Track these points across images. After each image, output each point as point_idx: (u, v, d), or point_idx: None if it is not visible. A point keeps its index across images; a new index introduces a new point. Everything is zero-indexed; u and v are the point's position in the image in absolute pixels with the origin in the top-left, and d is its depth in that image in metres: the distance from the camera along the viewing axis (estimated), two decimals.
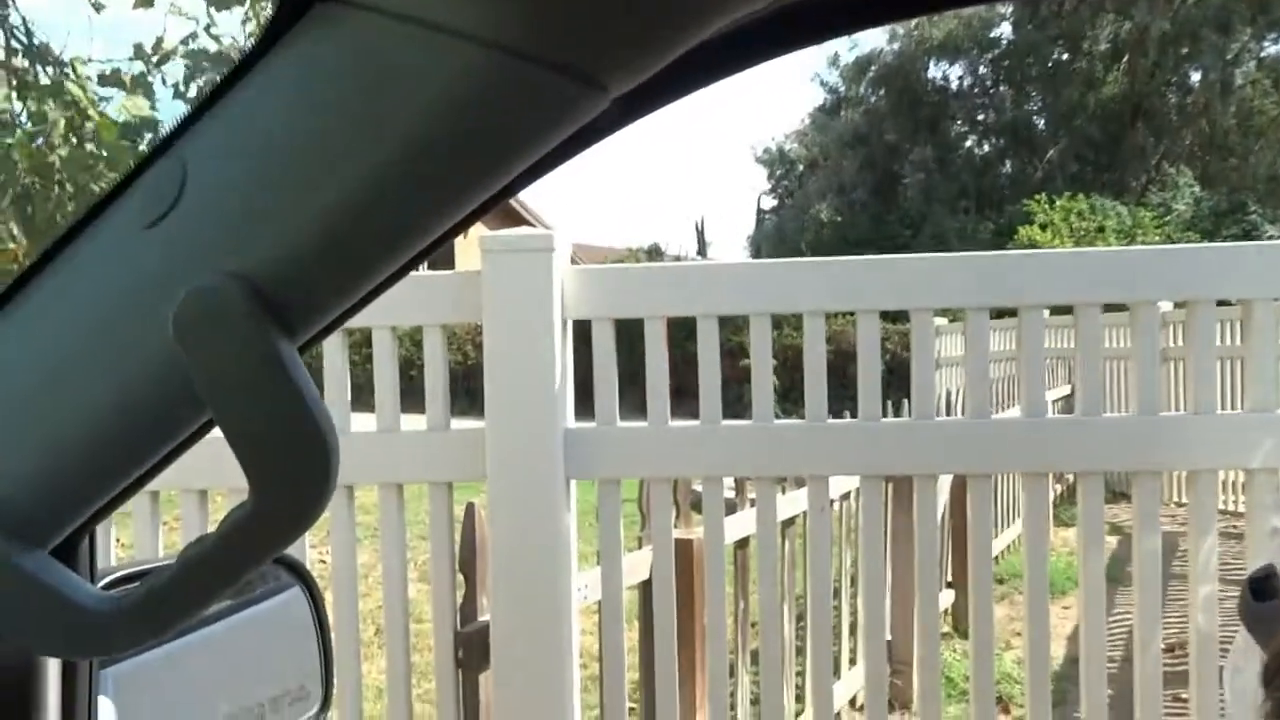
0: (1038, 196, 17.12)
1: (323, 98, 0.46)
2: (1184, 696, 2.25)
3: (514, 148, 0.47)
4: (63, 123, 4.59)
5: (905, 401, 4.89)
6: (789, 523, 3.76)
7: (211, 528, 0.60)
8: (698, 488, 3.78)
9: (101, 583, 0.70)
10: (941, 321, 9.65)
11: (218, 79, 0.49)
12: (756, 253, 27.11)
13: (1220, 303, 2.20)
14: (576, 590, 2.31)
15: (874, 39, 27.10)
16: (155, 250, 0.50)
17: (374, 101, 0.45)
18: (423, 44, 0.43)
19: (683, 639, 2.89)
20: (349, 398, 2.34)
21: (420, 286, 2.31)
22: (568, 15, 0.42)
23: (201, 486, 2.31)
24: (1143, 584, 2.18)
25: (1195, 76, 24.26)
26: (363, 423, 2.38)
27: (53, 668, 0.64)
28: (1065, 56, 25.37)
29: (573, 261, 2.32)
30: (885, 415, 2.32)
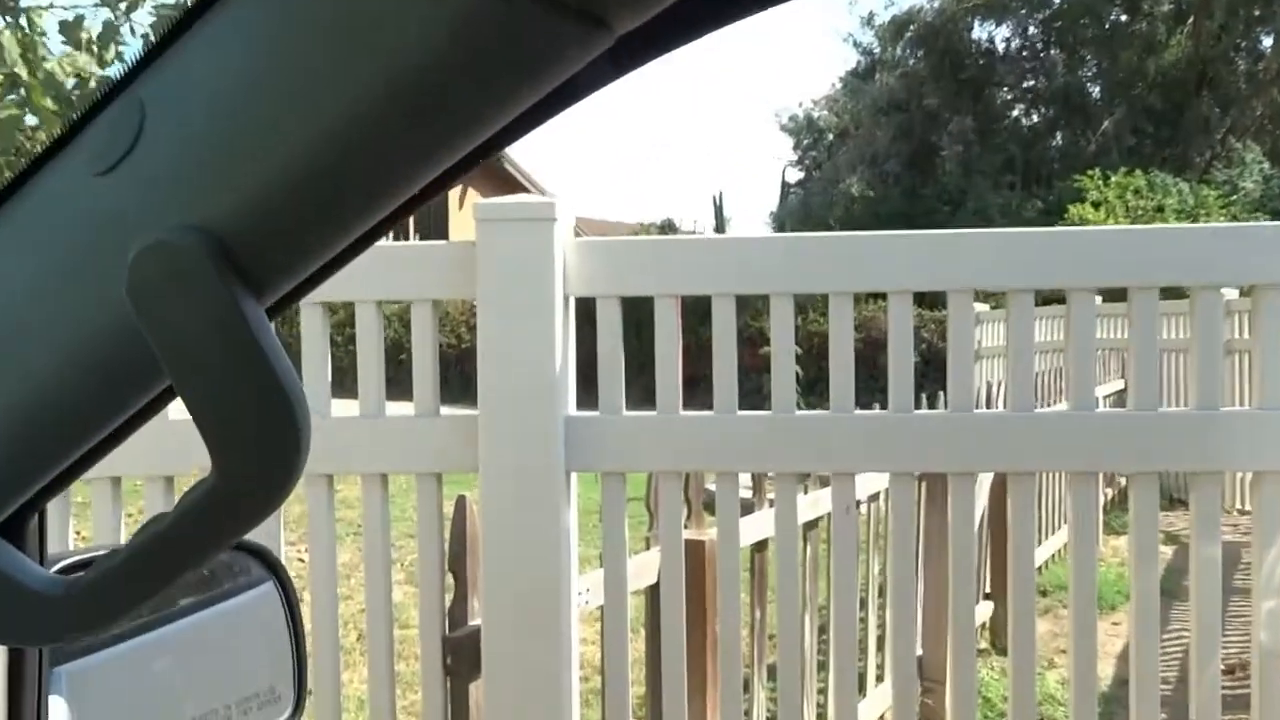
0: (1090, 172, 17.06)
1: (295, 32, 0.45)
2: None
3: (504, 90, 0.46)
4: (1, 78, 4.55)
5: (940, 395, 4.89)
6: (811, 525, 3.76)
7: None
8: (711, 485, 3.79)
9: (53, 568, 0.70)
10: (982, 308, 9.64)
11: (180, 13, 0.49)
12: (780, 229, 27.04)
13: None
14: (577, 594, 2.32)
15: None
16: (108, 200, 0.49)
17: (352, 37, 0.44)
18: None
19: (692, 650, 2.89)
20: (329, 379, 2.34)
21: (409, 258, 2.31)
22: None
23: (167, 473, 2.32)
24: (1201, 598, 2.17)
25: (1267, 42, 24.13)
26: (344, 409, 2.38)
27: None
28: (1123, 18, 25.25)
29: (576, 234, 2.32)
30: (919, 408, 2.31)
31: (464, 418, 2.30)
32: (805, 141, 29.94)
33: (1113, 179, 16.64)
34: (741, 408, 2.27)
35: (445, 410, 2.35)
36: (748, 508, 3.29)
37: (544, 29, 0.44)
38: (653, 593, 2.83)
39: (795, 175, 30.36)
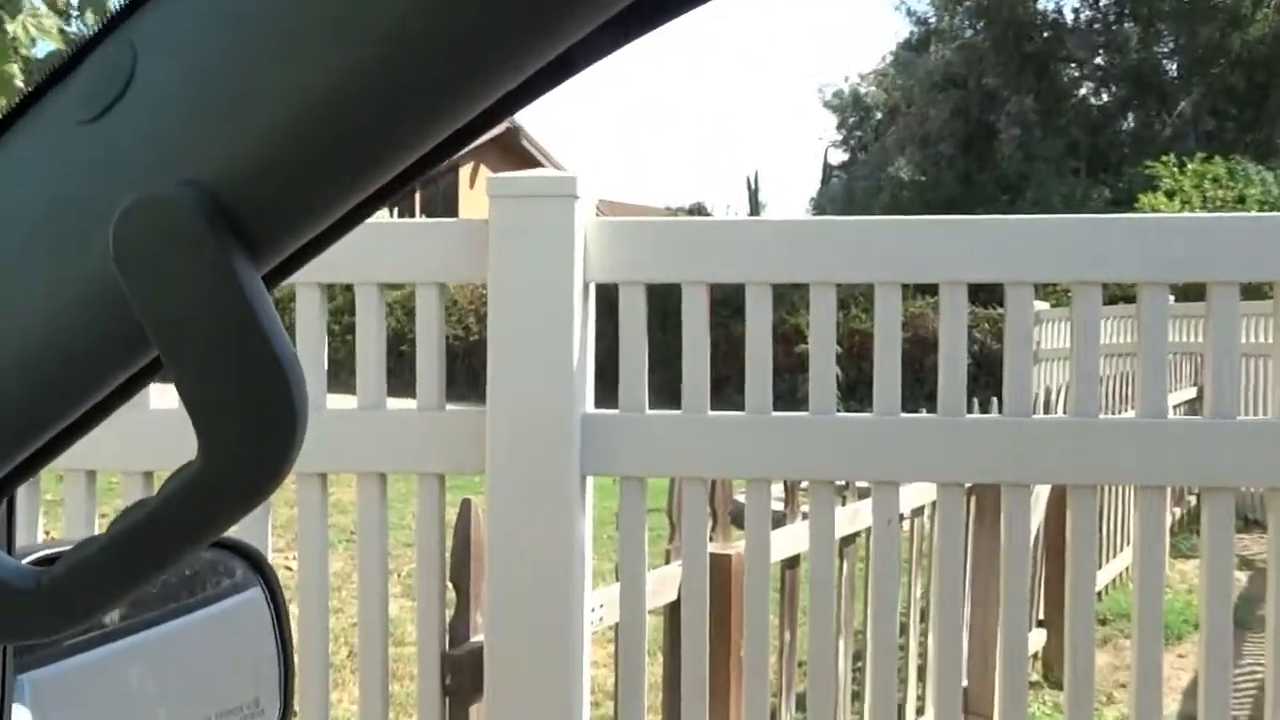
0: (1165, 158, 16.93)
1: None
2: None
3: (517, 42, 0.47)
4: None
5: (995, 401, 4.87)
6: (849, 540, 3.75)
7: None
8: (740, 495, 3.77)
9: (23, 561, 0.70)
10: (1041, 306, 9.59)
11: None
12: (821, 215, 27.00)
13: None
14: (589, 611, 2.32)
15: None
16: (95, 150, 0.49)
17: None
18: None
19: (715, 676, 2.89)
20: (325, 367, 2.35)
21: (414, 236, 2.32)
22: None
23: (146, 467, 2.33)
24: (1278, 629, 2.16)
25: None
26: (339, 404, 2.39)
27: None
28: None
29: (598, 215, 2.32)
30: (971, 413, 2.30)
31: (471, 414, 2.30)
32: (851, 120, 29.89)
33: (1189, 166, 16.51)
34: (775, 407, 2.26)
35: (451, 407, 2.35)
36: (779, 520, 3.28)
37: None
38: (673, 611, 2.83)
39: (839, 157, 30.34)
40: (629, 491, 2.29)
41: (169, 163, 0.48)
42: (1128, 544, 6.84)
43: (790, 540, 3.38)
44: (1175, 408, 7.95)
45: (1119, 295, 8.98)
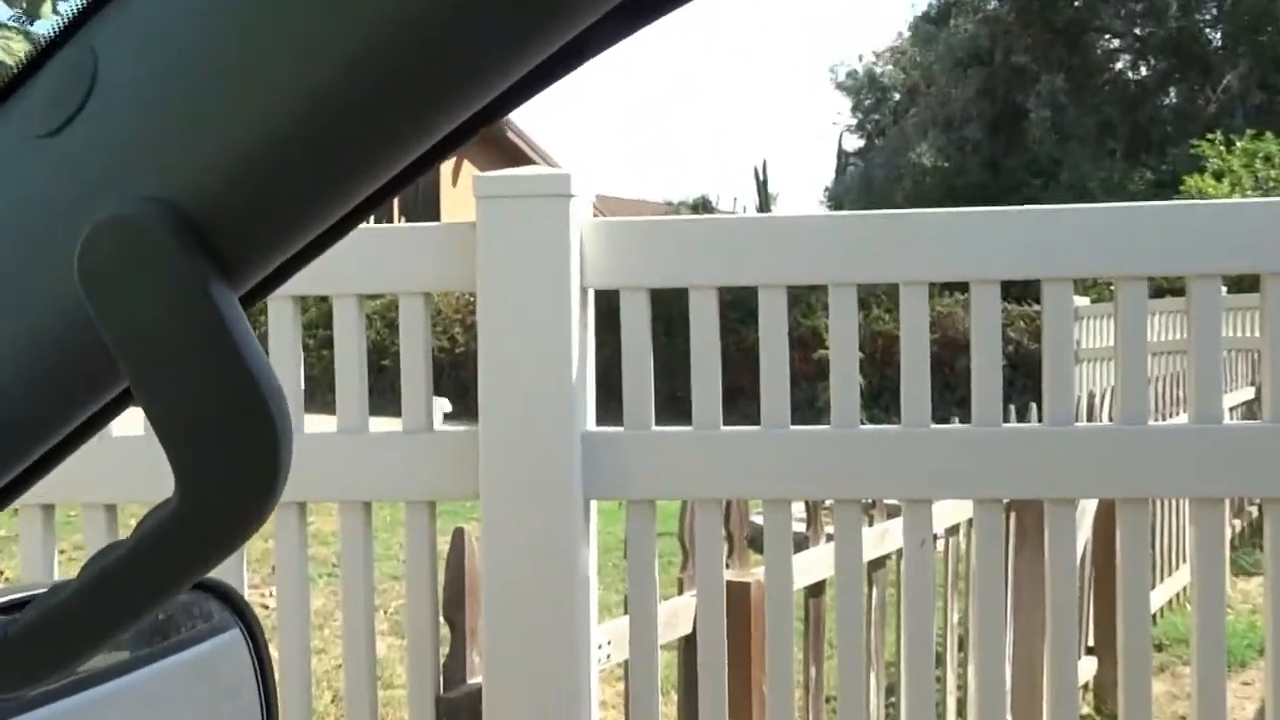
0: (1210, 136, 16.95)
1: None
2: None
3: (510, 40, 0.47)
4: None
5: (1033, 407, 4.88)
6: (878, 564, 3.75)
7: None
8: (757, 517, 3.77)
9: None
10: (1082, 302, 9.60)
11: None
12: (837, 207, 27.04)
13: None
14: (596, 647, 2.32)
15: None
16: (55, 166, 0.50)
17: None
18: None
19: (735, 714, 2.89)
20: (301, 386, 2.35)
21: (396, 242, 2.32)
22: None
23: (109, 500, 2.33)
24: None
25: None
26: (316, 426, 2.39)
27: None
28: None
29: (595, 214, 2.33)
30: (1007, 421, 2.30)
31: (462, 435, 2.30)
32: (866, 102, 29.90)
33: (1237, 144, 16.52)
34: (793, 420, 2.27)
35: (439, 426, 2.36)
36: (801, 543, 3.28)
37: None
38: (687, 645, 2.83)
39: (854, 142, 30.34)
40: (637, 516, 2.30)
41: (135, 178, 0.48)
42: (1184, 561, 6.83)
43: (814, 565, 3.38)
44: (1232, 410, 7.95)
45: (1166, 288, 8.98)
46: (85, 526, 2.36)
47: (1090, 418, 4.93)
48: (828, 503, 3.85)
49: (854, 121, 30.49)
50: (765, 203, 22.38)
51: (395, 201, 23.30)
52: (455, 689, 2.41)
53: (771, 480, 2.25)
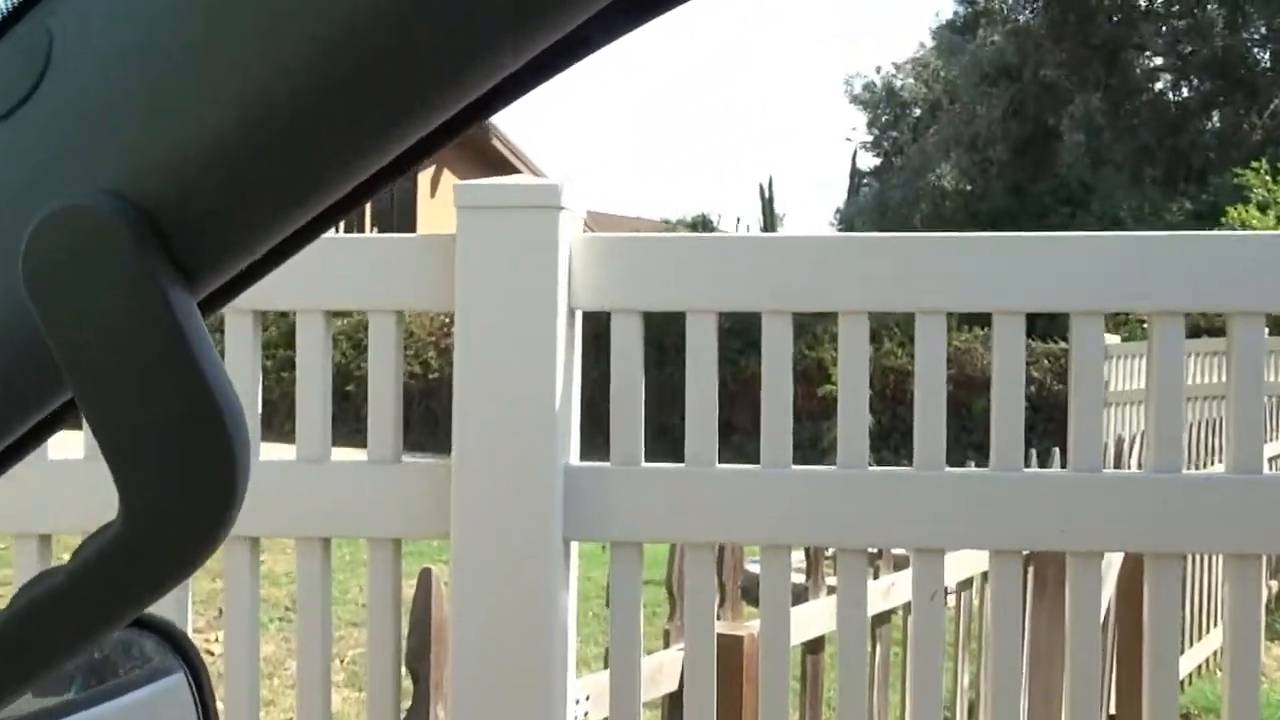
0: (1256, 164, 17.01)
1: None
2: None
3: (492, 36, 0.47)
4: None
5: (1055, 453, 4.88)
6: (883, 619, 3.74)
7: None
8: (752, 566, 3.77)
9: None
10: (1112, 340, 9.62)
11: None
12: (849, 229, 27.08)
13: None
14: (573, 703, 2.31)
15: None
16: (4, 152, 0.50)
17: None
18: None
19: None
20: (259, 408, 2.35)
21: (367, 255, 2.32)
22: None
23: (43, 530, 2.32)
24: None
25: None
26: (275, 453, 2.38)
27: None
28: None
29: (585, 230, 2.33)
30: (1028, 466, 2.30)
31: (432, 467, 2.30)
32: (884, 117, 30.01)
33: None
34: (795, 464, 2.26)
35: (408, 458, 2.35)
36: (800, 595, 3.28)
37: None
38: (673, 703, 2.82)
39: (869, 161, 30.43)
40: (621, 560, 2.29)
41: (90, 168, 0.48)
42: (1216, 624, 6.83)
43: (813, 619, 3.37)
44: (1271, 461, 7.96)
45: (1202, 327, 9.00)
46: (16, 557, 2.34)
47: (1118, 465, 4.93)
48: (829, 552, 3.86)
49: (869, 138, 30.58)
50: (770, 223, 22.45)
51: (368, 212, 23.35)
52: None
53: (770, 524, 2.25)
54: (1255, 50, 26.42)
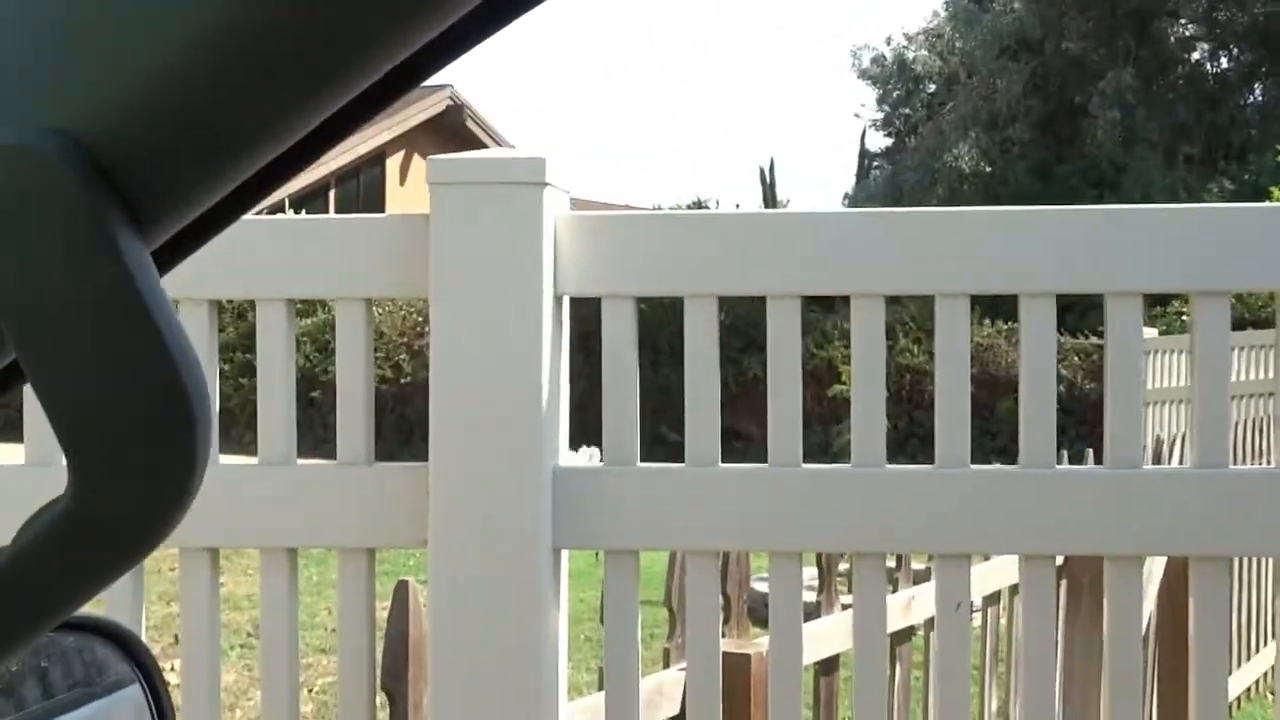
0: None
1: None
2: None
3: None
4: None
5: (1089, 454, 4.88)
6: (902, 637, 3.74)
7: None
8: (760, 584, 3.77)
9: None
10: (1149, 333, 9.64)
11: None
12: None
13: None
14: None
15: None
16: None
17: None
18: None
19: None
20: (217, 409, 2.34)
21: (334, 237, 2.32)
22: None
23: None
24: None
25: None
26: (235, 461, 2.38)
27: None
28: None
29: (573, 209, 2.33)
30: (1061, 463, 2.30)
31: (408, 470, 2.30)
32: (895, 93, 30.08)
33: None
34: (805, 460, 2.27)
35: (381, 464, 2.35)
36: (811, 611, 3.28)
37: None
38: None
39: (880, 140, 30.51)
40: (616, 569, 2.29)
41: (30, 105, 0.48)
42: (1266, 643, 6.84)
43: (826, 636, 3.38)
44: None
45: (1246, 318, 9.01)
46: None
47: (1156, 463, 4.94)
48: (843, 566, 3.87)
49: (880, 116, 30.67)
50: (772, 206, 22.45)
51: (331, 198, 23.36)
52: None
53: (779, 530, 2.25)
54: None
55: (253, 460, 2.33)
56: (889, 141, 30.40)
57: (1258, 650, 6.84)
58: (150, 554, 0.51)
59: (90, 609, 0.56)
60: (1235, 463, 6.12)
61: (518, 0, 0.54)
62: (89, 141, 0.47)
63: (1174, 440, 5.75)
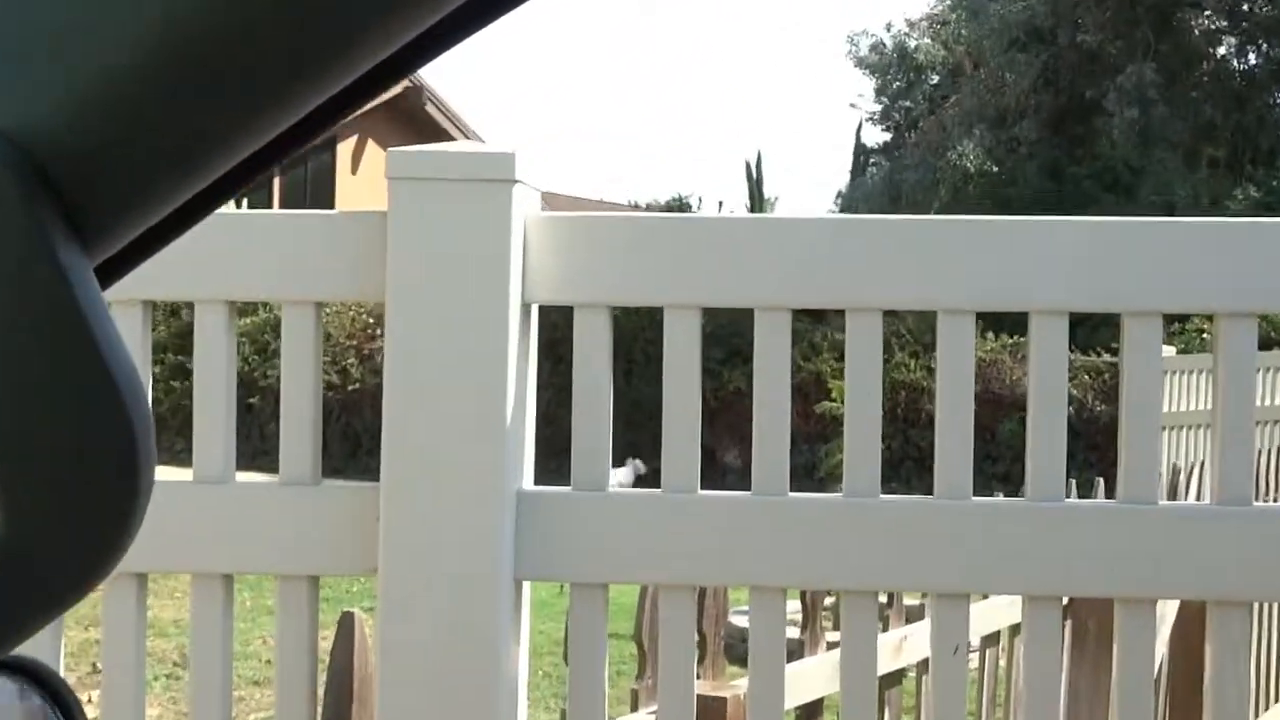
0: None
1: None
2: None
3: None
4: None
5: (1099, 484, 4.89)
6: (892, 680, 3.75)
7: None
8: (739, 618, 3.75)
9: None
10: (1167, 352, 9.69)
11: None
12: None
13: None
14: None
15: None
16: None
17: None
18: None
19: None
20: (151, 419, 2.33)
21: (281, 234, 2.31)
22: None
23: None
24: None
25: None
26: (167, 475, 2.37)
27: None
28: None
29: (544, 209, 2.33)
30: (1069, 497, 2.31)
31: (356, 490, 2.29)
32: (895, 84, 30.15)
33: None
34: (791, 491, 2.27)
35: (328, 482, 2.34)
36: (794, 651, 3.28)
37: None
38: None
39: (878, 135, 30.56)
40: (583, 605, 2.29)
41: None
42: None
43: (809, 679, 3.37)
44: None
45: (1274, 336, 9.06)
46: None
47: (1174, 498, 4.96)
48: (829, 600, 3.87)
49: (878, 109, 30.72)
50: (759, 208, 22.51)
51: (275, 188, 23.29)
52: None
53: (764, 562, 2.25)
54: None
55: (186, 472, 2.32)
56: (887, 136, 30.46)
57: (1275, 700, 6.86)
58: (86, 593, 0.51)
59: None
60: (1259, 493, 6.13)
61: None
62: (29, 146, 0.47)
63: (1193, 468, 5.77)
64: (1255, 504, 2.23)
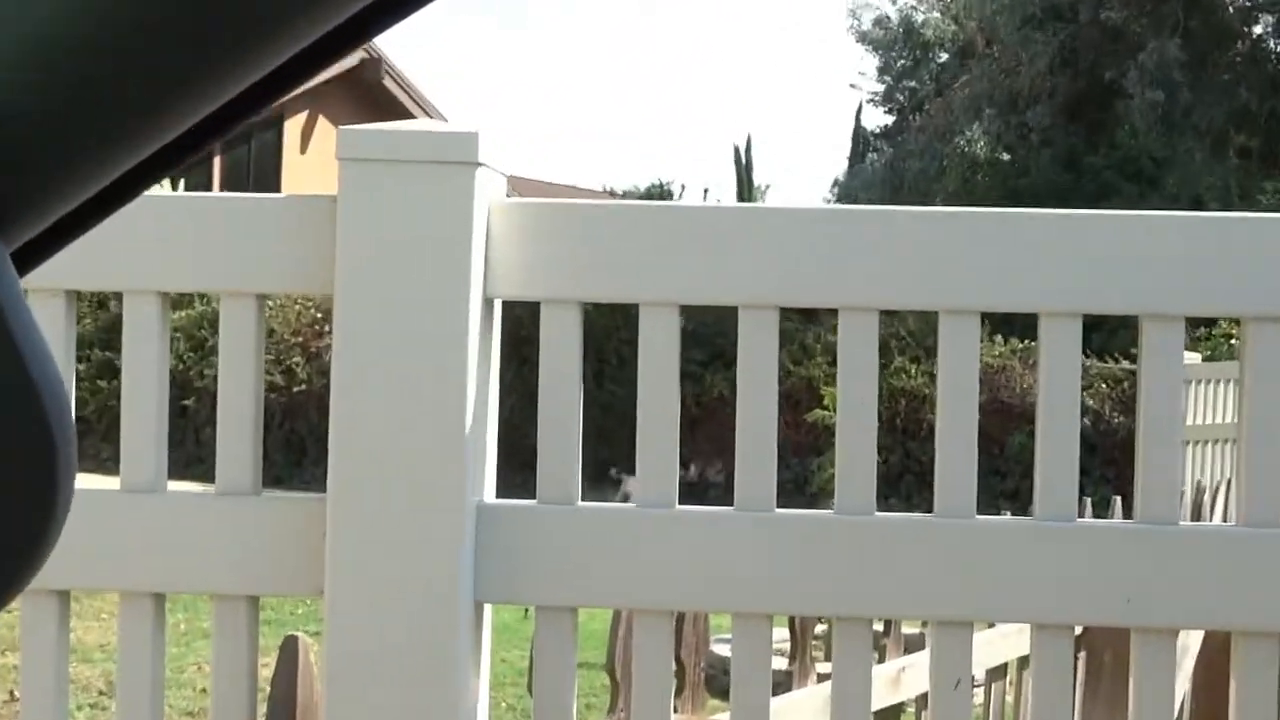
0: None
1: None
2: None
3: None
4: None
5: (1116, 502, 4.89)
6: (891, 713, 3.75)
7: None
8: (720, 646, 3.76)
9: None
10: (1191, 359, 9.71)
11: None
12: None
13: None
14: None
15: None
16: None
17: None
18: None
19: None
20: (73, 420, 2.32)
21: (220, 219, 2.31)
22: None
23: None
24: None
25: None
26: (92, 484, 2.37)
27: None
28: None
29: (511, 195, 2.33)
30: (1082, 516, 2.31)
31: (300, 503, 2.30)
32: (900, 63, 30.16)
33: None
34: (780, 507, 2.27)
35: (270, 493, 2.34)
36: (781, 683, 3.28)
37: None
38: None
39: (879, 118, 30.55)
40: (549, 630, 2.29)
41: None
42: None
43: (798, 713, 3.38)
44: None
45: None
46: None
47: (1197, 519, 4.98)
48: (820, 627, 3.87)
49: (880, 89, 30.72)
50: (748, 196, 22.53)
51: (216, 166, 23.23)
52: None
53: (748, 586, 2.25)
54: None
55: (113, 480, 2.32)
56: (890, 120, 30.44)
57: None
58: (2, 609, 0.51)
59: None
60: None
61: None
62: None
63: (1217, 486, 5.79)
64: None
